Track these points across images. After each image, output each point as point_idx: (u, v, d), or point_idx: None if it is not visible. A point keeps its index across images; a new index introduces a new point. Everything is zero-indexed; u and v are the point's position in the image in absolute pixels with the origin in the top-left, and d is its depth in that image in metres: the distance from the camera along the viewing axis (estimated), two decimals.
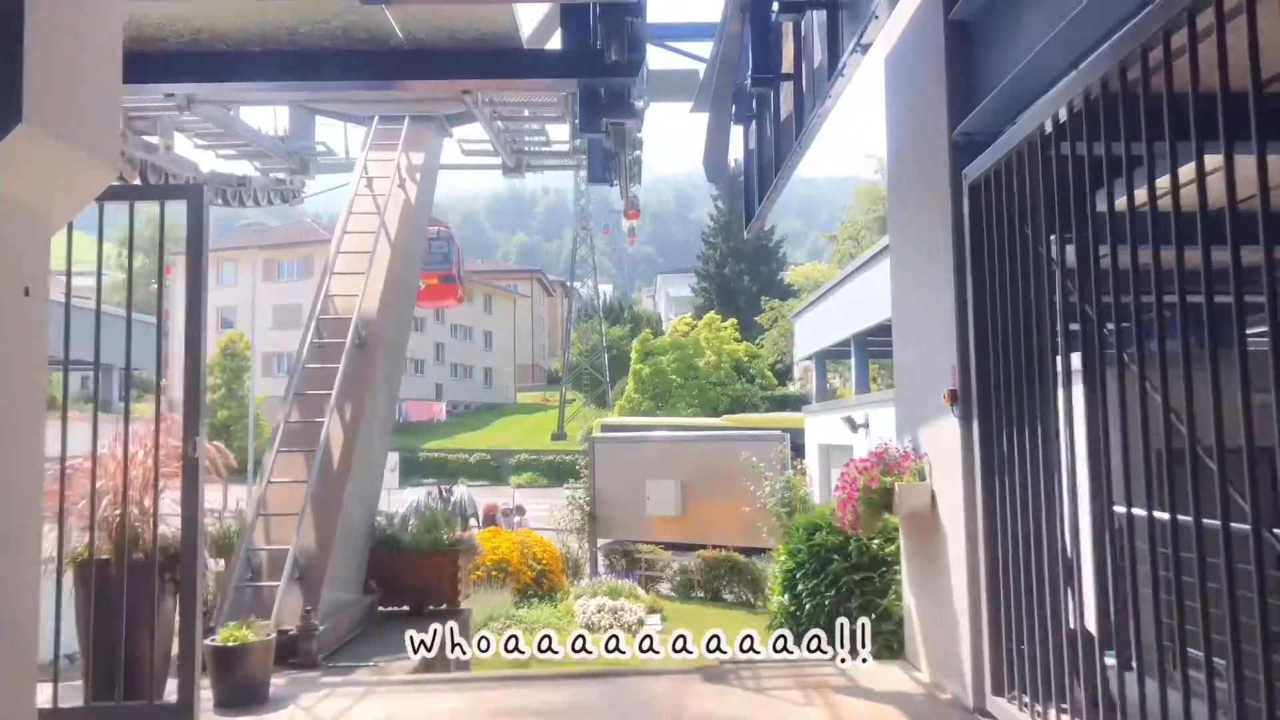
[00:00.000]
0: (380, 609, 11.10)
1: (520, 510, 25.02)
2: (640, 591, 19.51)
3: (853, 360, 17.81)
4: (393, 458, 43.47)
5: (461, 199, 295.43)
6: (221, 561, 10.14)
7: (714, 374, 52.26)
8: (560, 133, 15.41)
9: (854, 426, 15.62)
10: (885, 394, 15.22)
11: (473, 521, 24.91)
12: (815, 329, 21.25)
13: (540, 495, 50.37)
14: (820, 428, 19.87)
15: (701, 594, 21.72)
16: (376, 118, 14.71)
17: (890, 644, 7.69)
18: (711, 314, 56.80)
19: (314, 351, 11.88)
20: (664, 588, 22.44)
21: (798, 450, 21.09)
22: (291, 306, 62.87)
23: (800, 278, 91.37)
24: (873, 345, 18.38)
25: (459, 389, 74.91)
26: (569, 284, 62.81)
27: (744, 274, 78.55)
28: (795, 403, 55.98)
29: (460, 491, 27.22)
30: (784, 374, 62.35)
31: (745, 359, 54.46)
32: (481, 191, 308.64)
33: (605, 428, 33.34)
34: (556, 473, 52.43)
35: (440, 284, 23.79)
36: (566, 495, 23.59)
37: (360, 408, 11.41)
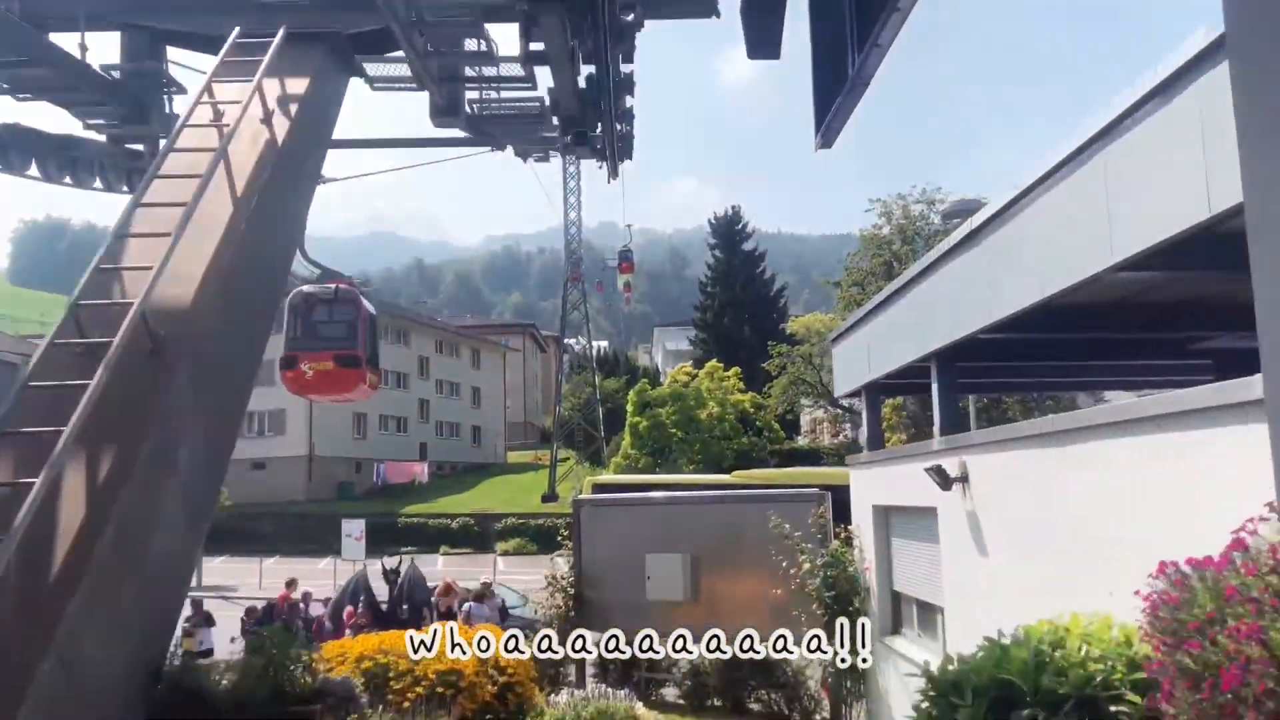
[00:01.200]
0: None
1: (488, 593, 19.67)
2: (639, 710, 14.27)
3: (934, 389, 12.59)
4: (356, 525, 38.33)
5: (455, 259, 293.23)
6: None
7: (717, 426, 47.20)
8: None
9: (945, 481, 10.51)
10: (997, 432, 10.03)
11: (426, 611, 19.66)
12: (867, 353, 15.79)
13: (528, 565, 45.09)
14: (875, 484, 14.79)
15: (719, 701, 16.59)
16: (235, 31, 9.75)
17: None
18: (713, 363, 51.91)
19: (61, 360, 6.79)
20: (670, 693, 17.26)
21: (839, 513, 16.02)
22: (265, 363, 57.88)
23: (802, 328, 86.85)
24: (969, 367, 13.32)
25: (445, 449, 69.66)
26: (560, 337, 57.86)
27: (744, 324, 73.91)
28: (806, 458, 50.88)
29: (406, 566, 21.94)
30: (789, 427, 57.25)
31: (751, 410, 49.43)
32: (477, 252, 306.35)
33: (596, 488, 28.20)
34: (547, 538, 47.08)
35: (337, 369, 15.92)
36: (545, 574, 18.34)
37: (131, 459, 6.30)
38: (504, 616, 19.01)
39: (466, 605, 18.50)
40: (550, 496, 52.42)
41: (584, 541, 17.49)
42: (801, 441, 58.32)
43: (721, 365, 51.64)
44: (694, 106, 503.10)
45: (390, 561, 23.05)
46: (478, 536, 48.90)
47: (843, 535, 15.33)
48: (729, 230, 78.13)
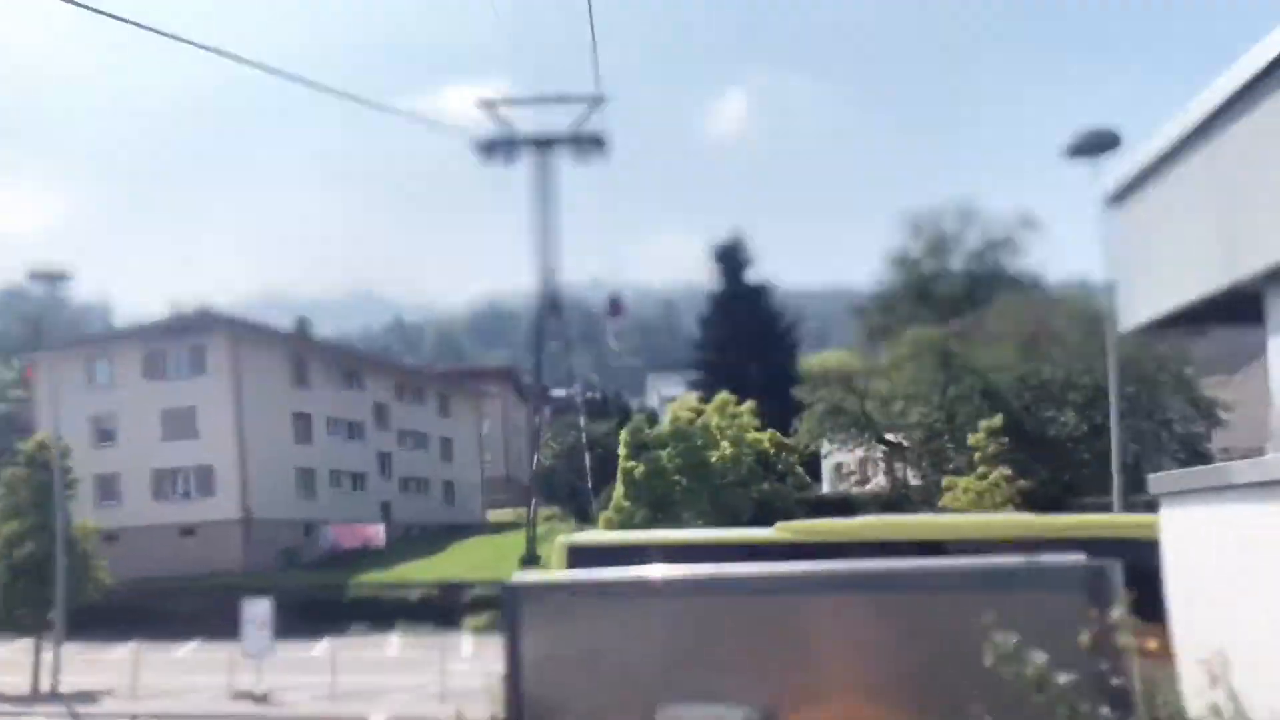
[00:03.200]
0: None
1: None
2: None
3: None
4: (259, 608, 28.73)
5: (439, 318, 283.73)
6: None
7: (731, 471, 37.73)
8: None
9: None
10: None
11: None
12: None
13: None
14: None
15: None
16: None
17: None
18: (724, 395, 42.49)
19: None
20: None
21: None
22: (185, 410, 48.48)
23: (818, 366, 77.62)
24: None
25: (413, 507, 59.86)
26: (537, 365, 48.44)
27: (751, 361, 64.71)
28: (834, 508, 41.24)
29: None
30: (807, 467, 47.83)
31: (772, 450, 39.95)
32: (461, 310, 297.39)
33: (574, 555, 18.23)
34: None
35: None
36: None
37: None
38: None
39: None
40: (530, 560, 42.57)
41: (527, 668, 7.58)
42: (826, 489, 48.89)
43: (734, 398, 42.24)
44: (680, 160, 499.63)
45: None
46: (442, 611, 39.12)
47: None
48: (731, 258, 69.18)
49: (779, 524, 17.53)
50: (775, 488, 37.94)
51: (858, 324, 68.83)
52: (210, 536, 46.84)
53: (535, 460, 46.29)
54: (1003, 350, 34.57)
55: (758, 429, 41.62)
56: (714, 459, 38.08)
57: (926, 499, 34.63)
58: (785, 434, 47.81)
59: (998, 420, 25.38)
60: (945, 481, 24.76)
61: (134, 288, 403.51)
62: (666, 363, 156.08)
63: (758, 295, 68.85)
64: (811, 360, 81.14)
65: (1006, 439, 25.76)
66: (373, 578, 42.32)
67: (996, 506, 22.94)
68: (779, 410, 63.15)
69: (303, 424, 52.51)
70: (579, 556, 17.72)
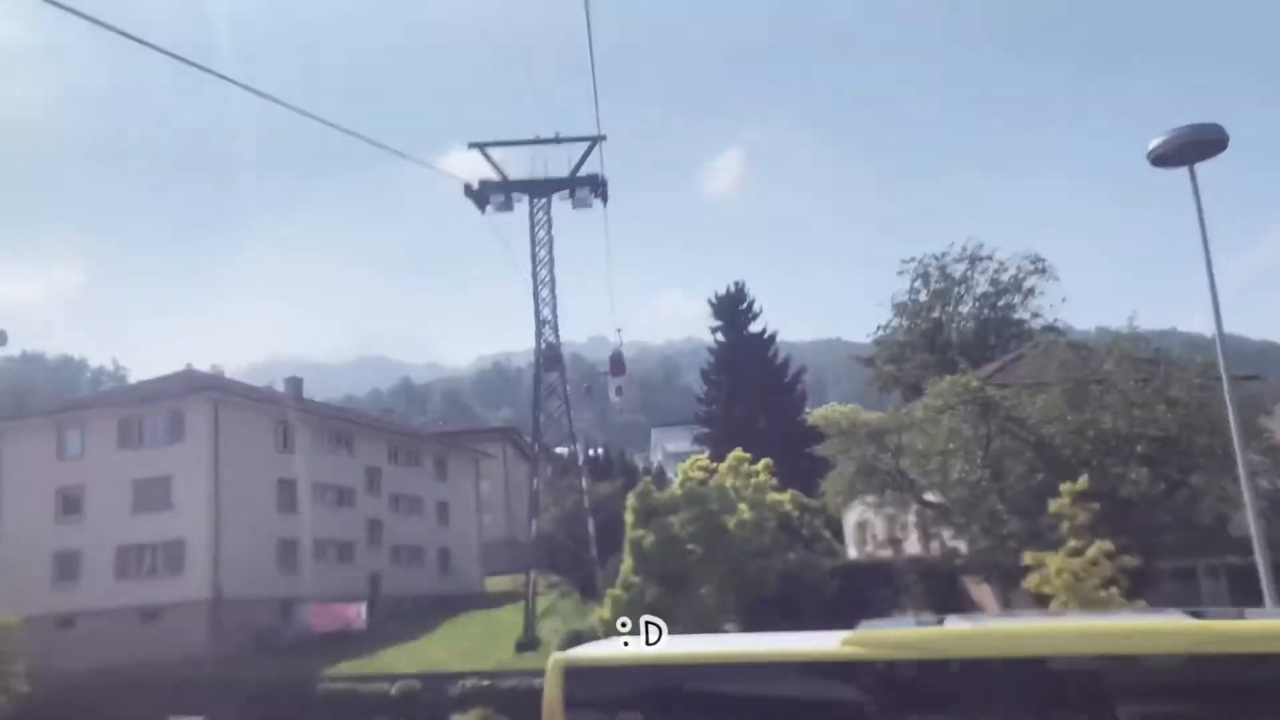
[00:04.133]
0: None
1: None
2: None
3: None
4: None
5: (446, 379, 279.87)
6: None
7: (753, 538, 33.03)
8: None
9: None
10: None
11: None
12: None
13: None
14: None
15: None
16: None
17: None
18: (738, 452, 37.93)
19: None
20: None
21: None
22: (159, 480, 43.91)
23: (821, 419, 72.88)
24: None
25: (405, 578, 54.92)
26: (535, 421, 43.77)
27: (758, 414, 60.04)
28: (870, 577, 36.30)
29: None
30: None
31: (795, 513, 35.25)
32: (468, 371, 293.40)
33: (572, 676, 13.40)
34: (521, 707, 32.67)
35: None
36: None
37: None
38: None
39: None
40: (527, 644, 37.78)
41: None
42: (852, 552, 44.06)
43: (748, 455, 37.66)
44: (677, 220, 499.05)
45: None
46: (426, 707, 34.14)
47: None
48: (733, 309, 64.79)
49: (846, 636, 12.94)
50: (802, 556, 33.18)
51: (866, 373, 64.42)
52: (176, 620, 42.00)
53: (534, 528, 41.69)
54: (1050, 399, 30.09)
55: (776, 489, 37.00)
56: (732, 524, 33.41)
57: (986, 567, 29.98)
58: (805, 494, 43.22)
59: (1083, 483, 20.68)
60: (1028, 557, 20.05)
61: (149, 355, 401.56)
62: (670, 418, 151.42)
63: (763, 345, 64.34)
64: (818, 413, 76.84)
65: (1097, 504, 21.06)
66: (350, 667, 37.35)
67: (1100, 591, 18.29)
68: (793, 466, 58.49)
69: (287, 492, 47.88)
70: (579, 681, 13.10)
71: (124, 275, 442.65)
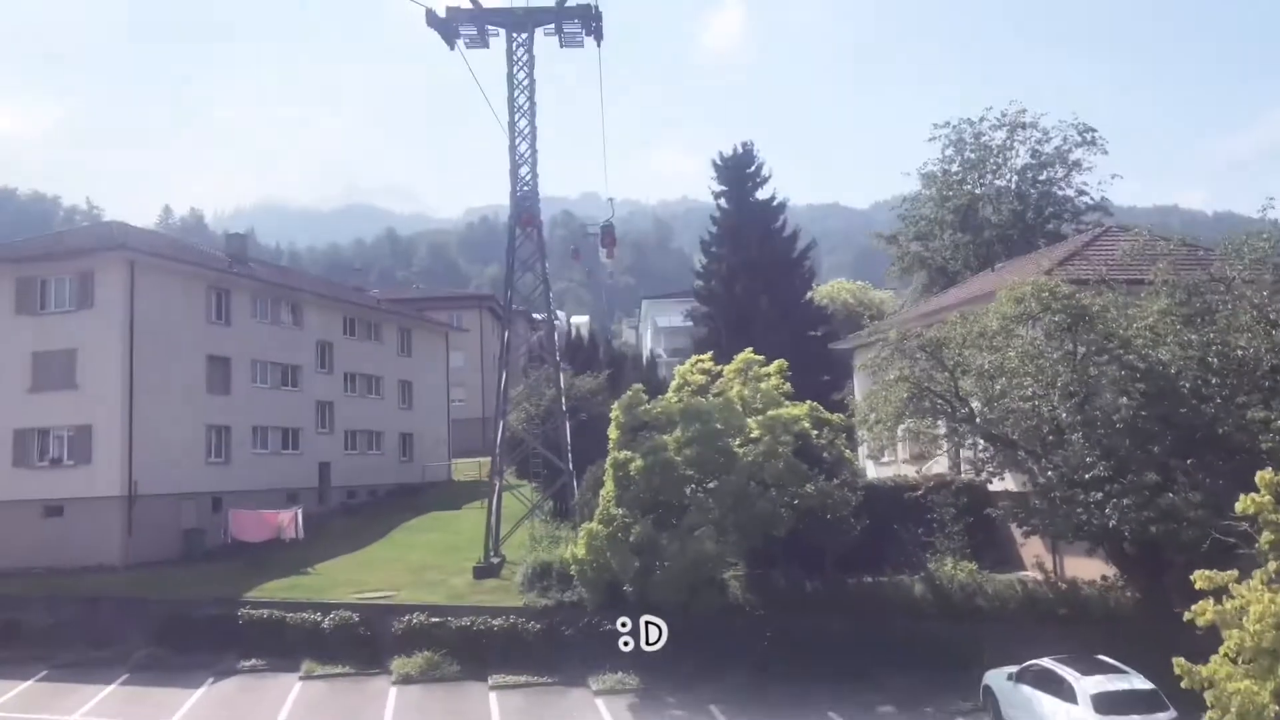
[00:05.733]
0: None
1: None
2: None
3: None
4: None
5: (432, 231, 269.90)
6: None
7: (765, 467, 26.20)
8: None
9: None
10: None
11: None
12: None
13: (442, 705, 25.02)
14: None
15: None
16: None
17: None
18: (747, 353, 30.80)
19: None
20: None
21: None
22: (62, 354, 36.81)
23: (825, 298, 65.61)
24: None
25: (360, 468, 48.52)
26: (507, 308, 36.30)
27: (761, 294, 52.77)
28: (890, 505, 29.51)
29: None
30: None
31: (814, 432, 28.34)
32: (456, 224, 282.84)
33: None
34: (475, 651, 26.65)
35: None
36: None
37: None
38: None
39: None
40: (487, 570, 31.33)
41: None
42: (878, 466, 37.56)
43: (761, 358, 30.59)
44: (671, 72, 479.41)
45: None
46: (363, 645, 27.91)
47: None
48: (739, 173, 56.44)
49: None
50: (822, 488, 26.42)
51: (888, 250, 56.98)
52: (84, 517, 35.45)
53: (500, 430, 34.80)
54: (1162, 312, 23.07)
55: (789, 397, 30.13)
56: (738, 447, 26.59)
57: (1047, 517, 23.43)
58: (814, 390, 36.34)
59: (1269, 474, 13.52)
60: (1196, 577, 13.19)
61: (128, 195, 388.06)
62: (662, 286, 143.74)
63: (771, 214, 56.36)
64: (823, 290, 69.43)
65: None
66: (278, 588, 30.97)
67: None
68: (799, 350, 51.73)
69: (219, 370, 40.87)
70: None
71: (105, 112, 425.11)
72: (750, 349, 31.23)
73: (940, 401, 24.29)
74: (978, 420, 23.96)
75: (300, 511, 34.85)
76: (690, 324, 61.06)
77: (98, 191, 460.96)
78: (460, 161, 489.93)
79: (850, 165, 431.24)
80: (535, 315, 48.53)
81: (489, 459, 37.61)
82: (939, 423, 24.66)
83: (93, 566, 34.28)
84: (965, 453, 25.58)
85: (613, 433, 28.00)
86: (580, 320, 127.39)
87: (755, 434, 27.35)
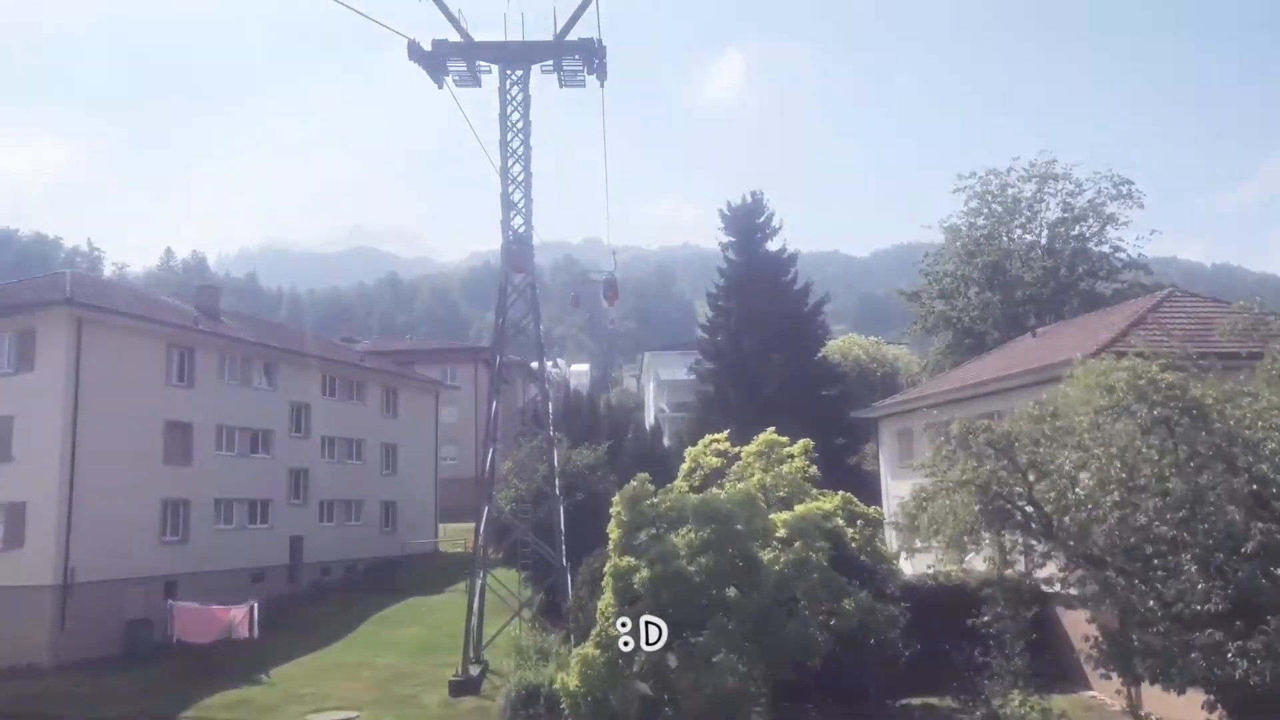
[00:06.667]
0: None
1: None
2: None
3: None
4: None
5: (436, 273, 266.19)
6: None
7: (799, 578, 21.55)
8: None
9: None
10: None
11: None
12: None
13: None
14: None
15: None
16: None
17: None
18: (769, 433, 26.32)
19: None
20: None
21: None
22: None
23: (837, 354, 61.08)
24: None
25: (337, 541, 43.84)
26: (494, 377, 31.70)
27: (772, 349, 48.57)
28: (936, 621, 24.69)
29: None
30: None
31: (848, 529, 23.77)
32: (458, 268, 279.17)
33: None
34: None
35: None
36: None
37: None
38: None
39: None
40: (464, 684, 26.52)
41: None
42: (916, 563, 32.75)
43: (785, 439, 26.11)
44: (671, 123, 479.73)
45: None
46: None
47: None
48: (747, 223, 52.45)
49: None
50: (862, 603, 21.76)
51: (910, 308, 52.55)
52: (9, 610, 30.71)
53: (484, 516, 30.11)
54: (1272, 400, 18.54)
55: (814, 484, 25.70)
56: (764, 554, 21.98)
57: (1139, 652, 18.69)
58: (835, 463, 31.90)
59: None
60: None
61: (130, 237, 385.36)
62: (664, 332, 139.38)
63: (781, 266, 52.26)
64: (834, 345, 64.78)
65: None
66: (222, 703, 26.19)
67: None
68: (814, 420, 47.36)
69: (179, 437, 36.36)
70: None
71: (109, 153, 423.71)
72: (772, 428, 26.78)
73: (1012, 508, 19.69)
74: (1058, 533, 19.35)
75: (255, 607, 30.14)
76: (694, 377, 56.63)
77: (101, 233, 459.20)
78: (463, 204, 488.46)
79: (850, 214, 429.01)
80: (533, 364, 44.10)
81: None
82: (1014, 535, 20.01)
83: (19, 667, 29.56)
84: (1041, 572, 20.89)
85: (613, 531, 23.38)
86: (580, 369, 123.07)
87: (781, 533, 22.80)
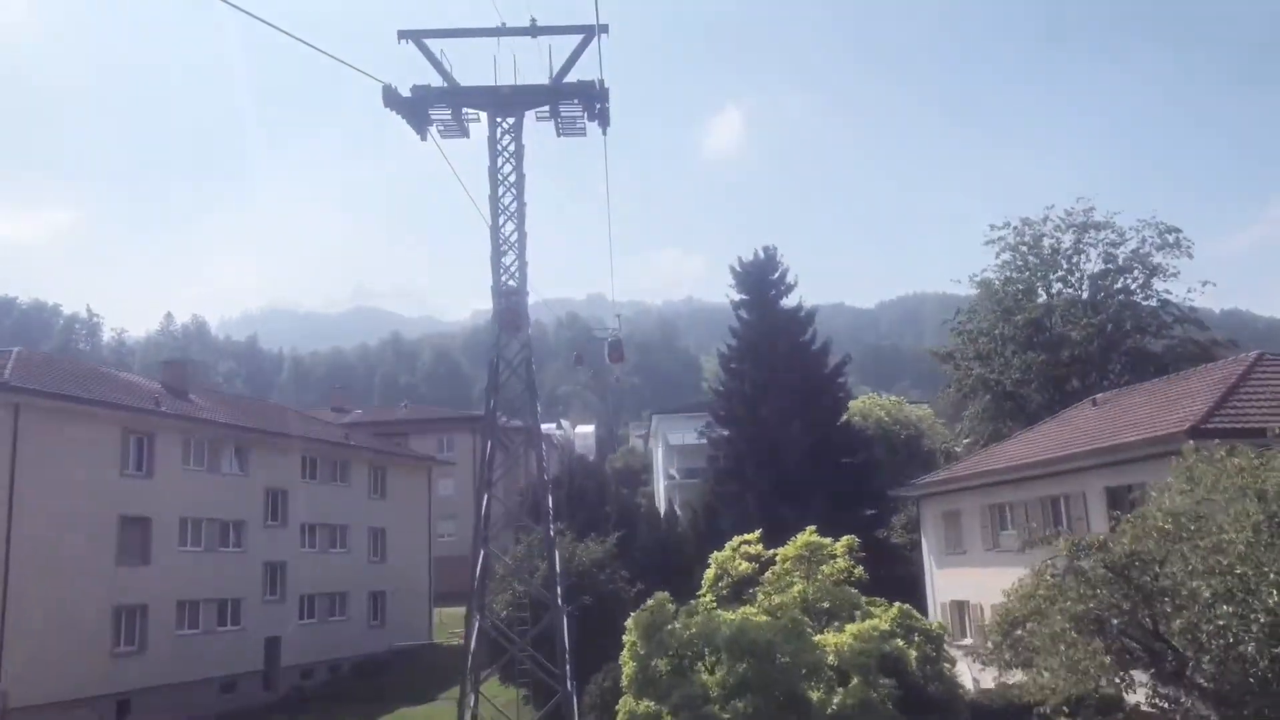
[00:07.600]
0: None
1: None
2: None
3: None
4: None
5: (439, 332, 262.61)
6: None
7: (856, 712, 17.25)
8: None
9: None
10: None
11: None
12: None
13: None
14: None
15: None
16: None
17: None
18: (810, 533, 22.09)
19: None
20: None
21: None
22: None
23: (856, 415, 56.75)
24: None
25: (320, 640, 39.33)
26: (486, 473, 27.40)
27: (793, 416, 44.29)
28: None
29: None
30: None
31: (908, 649, 19.49)
32: (461, 326, 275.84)
33: None
34: None
35: None
36: None
37: None
38: None
39: None
40: None
41: None
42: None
43: (826, 540, 21.88)
44: (674, 178, 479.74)
45: None
46: None
47: None
48: (760, 280, 48.31)
49: None
50: None
51: (943, 370, 48.45)
52: None
53: (474, 628, 25.68)
54: None
55: (862, 586, 21.45)
56: (815, 696, 17.66)
57: None
58: (864, 537, 27.29)
59: None
60: None
61: (131, 303, 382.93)
62: (669, 387, 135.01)
63: (798, 326, 48.10)
64: (855, 405, 60.48)
65: None
66: None
67: None
68: (840, 491, 43.09)
69: (136, 533, 32.18)
70: None
71: (108, 218, 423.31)
72: (813, 528, 22.59)
73: (1134, 644, 15.42)
74: (1193, 676, 15.07)
75: None
76: (705, 442, 52.16)
77: (101, 299, 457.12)
78: (465, 260, 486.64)
79: (854, 265, 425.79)
80: (530, 447, 39.78)
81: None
82: (1139, 676, 15.67)
83: None
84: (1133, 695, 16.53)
85: (626, 664, 19.15)
86: (585, 430, 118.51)
87: (832, 660, 18.51)
